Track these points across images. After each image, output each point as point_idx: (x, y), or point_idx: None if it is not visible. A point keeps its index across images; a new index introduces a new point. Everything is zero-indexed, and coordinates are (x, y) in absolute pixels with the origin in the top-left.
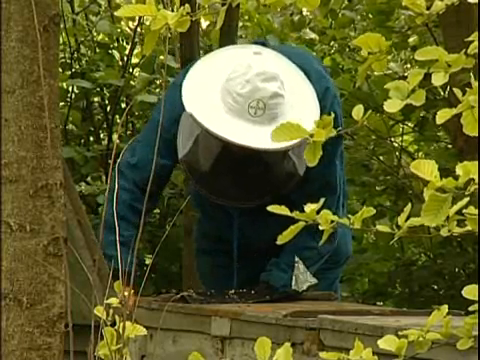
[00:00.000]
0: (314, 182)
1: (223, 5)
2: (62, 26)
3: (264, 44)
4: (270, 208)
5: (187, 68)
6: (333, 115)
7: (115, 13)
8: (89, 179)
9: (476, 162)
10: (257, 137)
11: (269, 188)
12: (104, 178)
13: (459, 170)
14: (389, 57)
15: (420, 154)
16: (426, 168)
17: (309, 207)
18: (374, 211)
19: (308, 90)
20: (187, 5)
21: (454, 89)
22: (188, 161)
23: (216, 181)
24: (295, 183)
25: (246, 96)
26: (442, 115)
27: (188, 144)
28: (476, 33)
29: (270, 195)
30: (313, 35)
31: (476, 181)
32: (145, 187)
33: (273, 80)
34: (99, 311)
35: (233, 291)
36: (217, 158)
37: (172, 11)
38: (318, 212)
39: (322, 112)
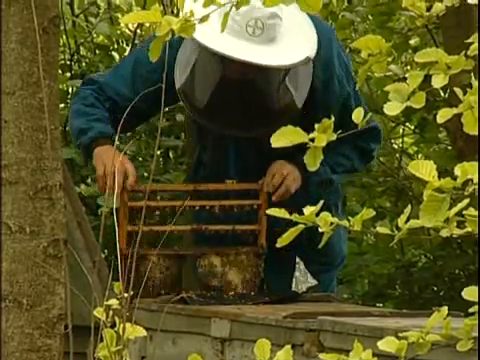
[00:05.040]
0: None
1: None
2: (62, 28)
3: None
4: (269, 211)
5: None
6: (342, 65)
7: (120, 21)
8: (89, 181)
9: (474, 163)
10: (256, 54)
11: (268, 118)
12: None
13: (457, 170)
14: (389, 59)
15: (420, 156)
16: (424, 169)
17: (308, 209)
18: (374, 213)
19: (306, 23)
20: (191, 10)
21: (455, 89)
22: (185, 90)
23: (214, 109)
24: (293, 116)
25: (244, 15)
26: (443, 115)
27: (185, 72)
28: (476, 35)
29: (270, 126)
30: None
31: (475, 181)
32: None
33: None
34: (99, 312)
35: (233, 292)
36: (215, 81)
37: (172, 13)
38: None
39: (330, 60)
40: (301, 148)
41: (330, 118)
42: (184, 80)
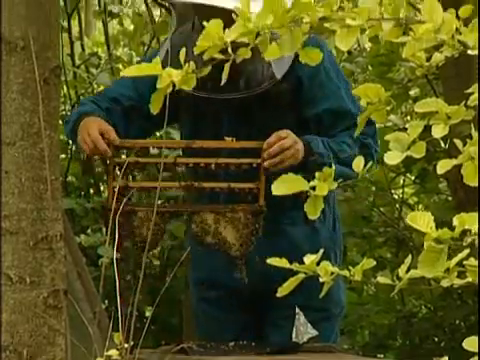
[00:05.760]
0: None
1: (226, 61)
2: (63, 78)
3: None
4: (270, 261)
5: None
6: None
7: (122, 73)
8: (89, 231)
9: (473, 214)
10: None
11: (251, 84)
12: (104, 230)
13: (456, 221)
14: (388, 108)
15: (420, 206)
16: (422, 220)
17: (309, 258)
18: (374, 263)
19: None
20: (192, 62)
21: (455, 140)
22: (164, 64)
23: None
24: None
25: None
26: (443, 166)
27: (164, 47)
28: (476, 85)
29: (252, 91)
30: None
31: (474, 232)
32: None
33: None
34: None
35: (233, 343)
36: (189, 40)
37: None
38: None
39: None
40: (296, 125)
41: (317, 112)
42: (164, 54)
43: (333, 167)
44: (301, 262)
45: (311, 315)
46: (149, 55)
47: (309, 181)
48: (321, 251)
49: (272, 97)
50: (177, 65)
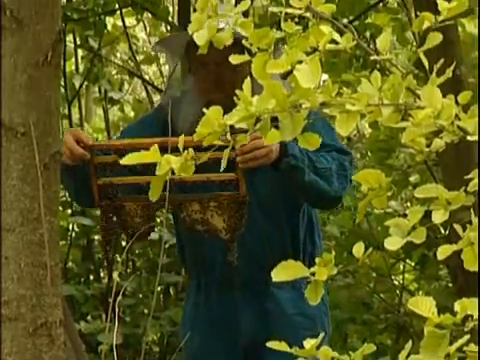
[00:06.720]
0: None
1: (226, 147)
2: None
3: None
4: (269, 344)
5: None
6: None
7: (121, 161)
8: (89, 318)
9: (474, 299)
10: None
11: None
12: (104, 317)
13: (457, 307)
14: (389, 194)
15: (421, 292)
16: (424, 305)
17: (309, 342)
18: (375, 348)
19: None
20: (191, 149)
21: (455, 225)
22: (164, 105)
23: (194, 101)
24: None
25: None
26: (443, 252)
27: (163, 92)
28: (476, 170)
29: None
30: None
31: (475, 317)
32: None
33: None
34: None
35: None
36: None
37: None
38: None
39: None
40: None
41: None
42: (163, 95)
43: (307, 173)
44: (286, 324)
45: None
46: (144, 117)
47: (283, 181)
48: (322, 334)
49: None
50: (176, 112)
